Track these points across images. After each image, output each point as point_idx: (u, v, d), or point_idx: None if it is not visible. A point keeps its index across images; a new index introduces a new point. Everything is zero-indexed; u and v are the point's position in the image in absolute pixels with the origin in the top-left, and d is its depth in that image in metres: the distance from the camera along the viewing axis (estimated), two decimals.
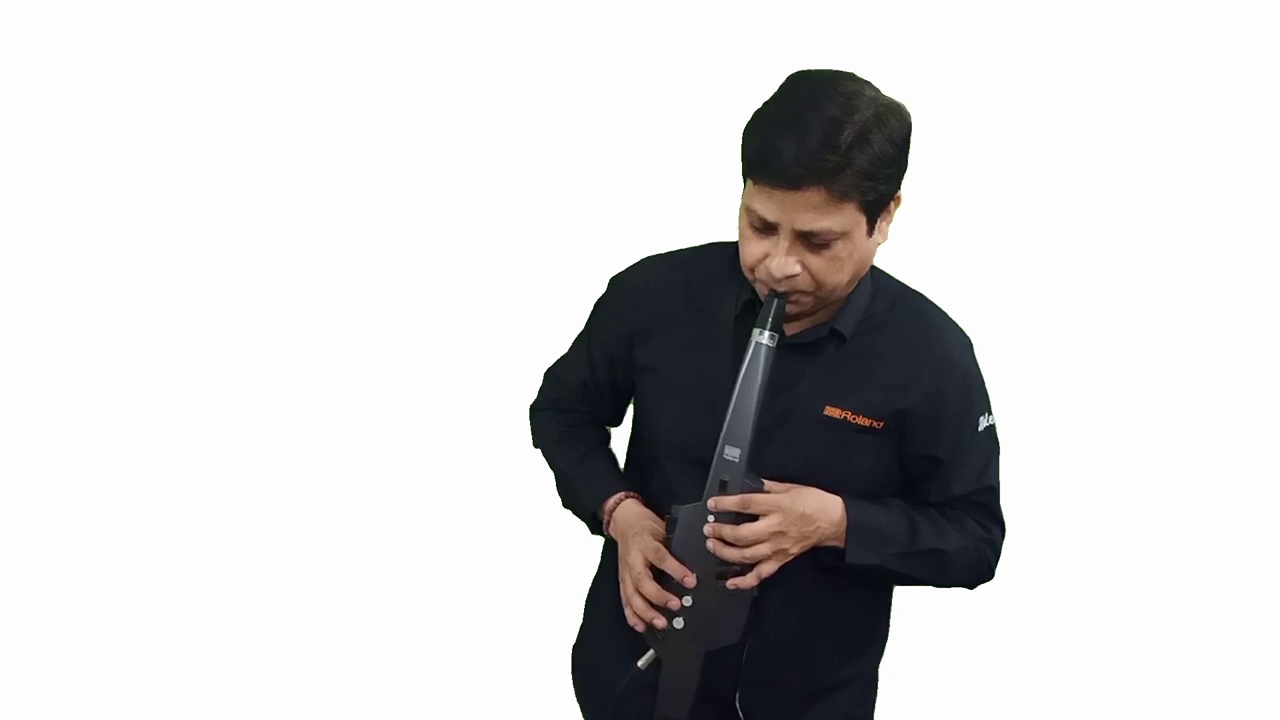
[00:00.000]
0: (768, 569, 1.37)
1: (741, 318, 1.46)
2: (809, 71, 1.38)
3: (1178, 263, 2.74)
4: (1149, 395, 2.71)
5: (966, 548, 1.51)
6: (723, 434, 1.39)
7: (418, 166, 2.77)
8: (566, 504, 1.68)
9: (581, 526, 1.71)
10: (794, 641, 1.52)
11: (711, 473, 1.39)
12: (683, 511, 1.40)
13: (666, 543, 1.43)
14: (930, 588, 1.55)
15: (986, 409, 1.57)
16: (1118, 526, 2.70)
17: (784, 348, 1.42)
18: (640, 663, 1.46)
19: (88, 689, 2.57)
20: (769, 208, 1.32)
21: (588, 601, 1.74)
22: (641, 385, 1.56)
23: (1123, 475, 2.72)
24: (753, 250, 1.36)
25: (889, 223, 1.45)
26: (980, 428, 1.55)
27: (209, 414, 2.74)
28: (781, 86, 1.36)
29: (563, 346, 1.75)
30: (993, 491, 1.57)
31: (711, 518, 1.39)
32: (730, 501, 1.37)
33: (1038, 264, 2.74)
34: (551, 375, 1.69)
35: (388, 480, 2.80)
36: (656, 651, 1.45)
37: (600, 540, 1.73)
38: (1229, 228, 2.73)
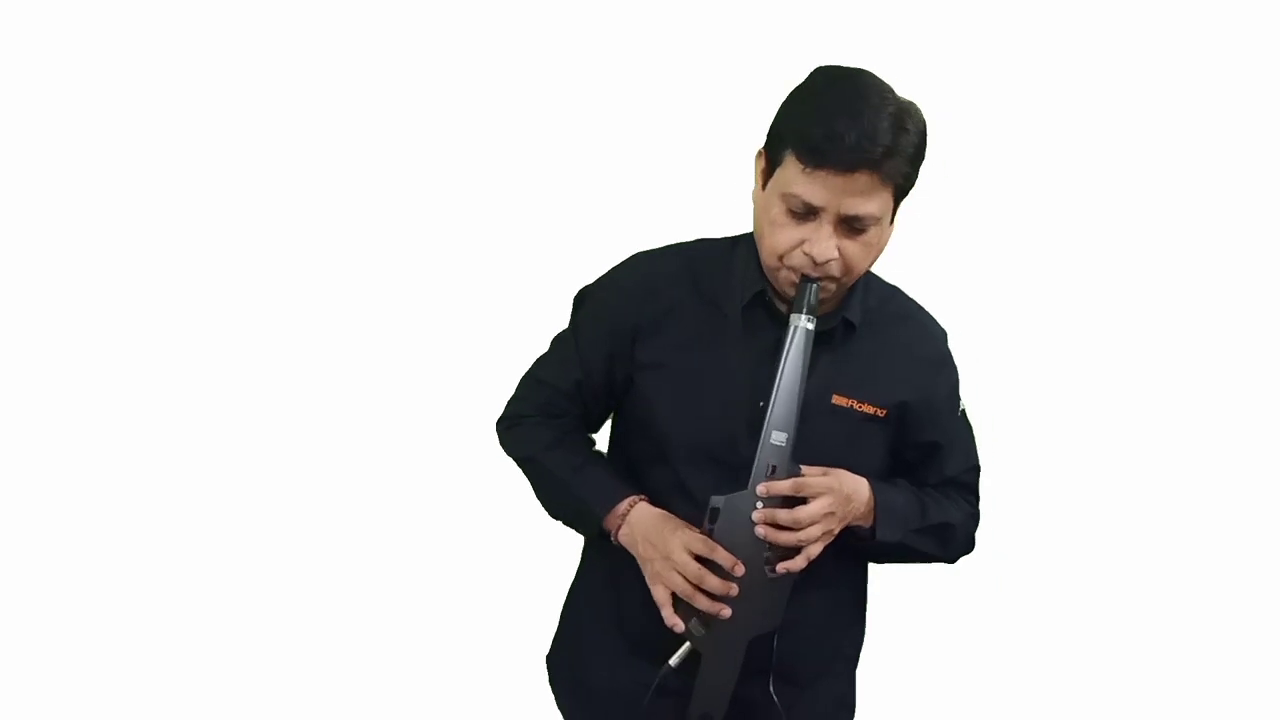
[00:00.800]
0: (816, 550, 1.39)
1: (750, 309, 1.47)
2: (835, 66, 1.41)
3: (1164, 259, 2.74)
4: (1133, 391, 2.72)
5: (964, 521, 1.65)
6: (769, 419, 1.41)
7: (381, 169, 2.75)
8: (558, 513, 1.65)
9: (554, 530, 1.68)
10: (803, 625, 1.53)
11: (758, 460, 1.40)
12: (725, 501, 1.39)
13: (708, 534, 1.41)
14: (918, 564, 1.59)
15: (959, 403, 1.69)
16: (1100, 521, 2.71)
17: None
18: (673, 660, 1.45)
19: (85, 688, 2.57)
20: (817, 192, 1.36)
21: (570, 605, 1.72)
22: (643, 382, 1.55)
23: (1105, 470, 2.73)
24: (787, 236, 1.40)
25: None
26: (958, 413, 1.67)
27: (202, 414, 2.73)
28: (820, 78, 1.43)
29: (535, 346, 1.73)
30: (978, 471, 1.72)
31: (760, 504, 1.36)
32: (783, 486, 1.39)
33: (1025, 261, 2.75)
34: (535, 381, 1.67)
35: (379, 481, 2.80)
36: (696, 646, 1.44)
37: (577, 544, 1.70)
38: (1211, 222, 2.74)
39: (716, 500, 1.39)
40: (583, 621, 1.71)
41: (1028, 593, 2.71)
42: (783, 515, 1.38)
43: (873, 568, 1.70)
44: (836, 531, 1.44)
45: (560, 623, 1.74)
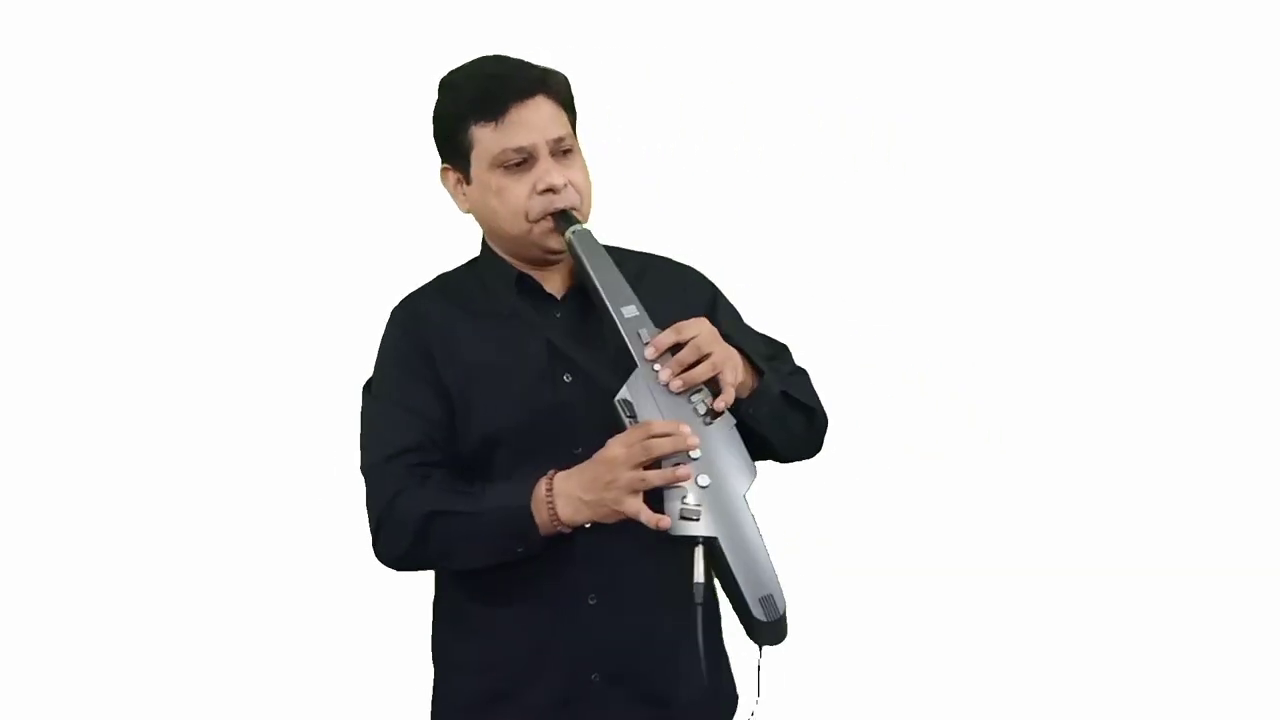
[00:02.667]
0: (730, 375, 1.32)
1: (518, 303, 1.50)
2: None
3: (1163, 259, 2.74)
4: (1121, 390, 2.72)
5: (805, 375, 1.57)
6: (608, 303, 1.37)
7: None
8: (482, 552, 1.44)
9: None
10: (657, 645, 1.46)
11: (625, 336, 1.35)
12: (626, 387, 1.32)
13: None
14: (804, 433, 1.51)
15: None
16: (1098, 520, 2.71)
17: (568, 304, 1.48)
18: (699, 576, 1.29)
19: (83, 688, 2.57)
20: (518, 133, 1.39)
21: (443, 656, 1.64)
22: (458, 405, 1.53)
23: (1091, 467, 2.72)
24: (518, 191, 1.41)
25: None
26: (736, 318, 1.59)
27: (196, 414, 2.74)
28: (449, 77, 1.48)
29: None
30: (786, 350, 1.60)
31: (656, 366, 1.33)
32: (666, 337, 1.32)
33: (1023, 261, 2.74)
34: (386, 461, 1.47)
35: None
36: (699, 531, 1.29)
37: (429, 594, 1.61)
38: (1202, 220, 2.74)
39: (621, 393, 1.35)
40: (450, 670, 1.65)
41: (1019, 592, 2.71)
42: (686, 354, 1.31)
43: None
44: (738, 357, 1.37)
45: (438, 677, 1.67)
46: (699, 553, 1.27)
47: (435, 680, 1.60)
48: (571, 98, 1.49)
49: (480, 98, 1.42)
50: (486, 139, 1.42)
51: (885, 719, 2.56)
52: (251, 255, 2.67)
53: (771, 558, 1.30)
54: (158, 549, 2.60)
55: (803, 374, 1.56)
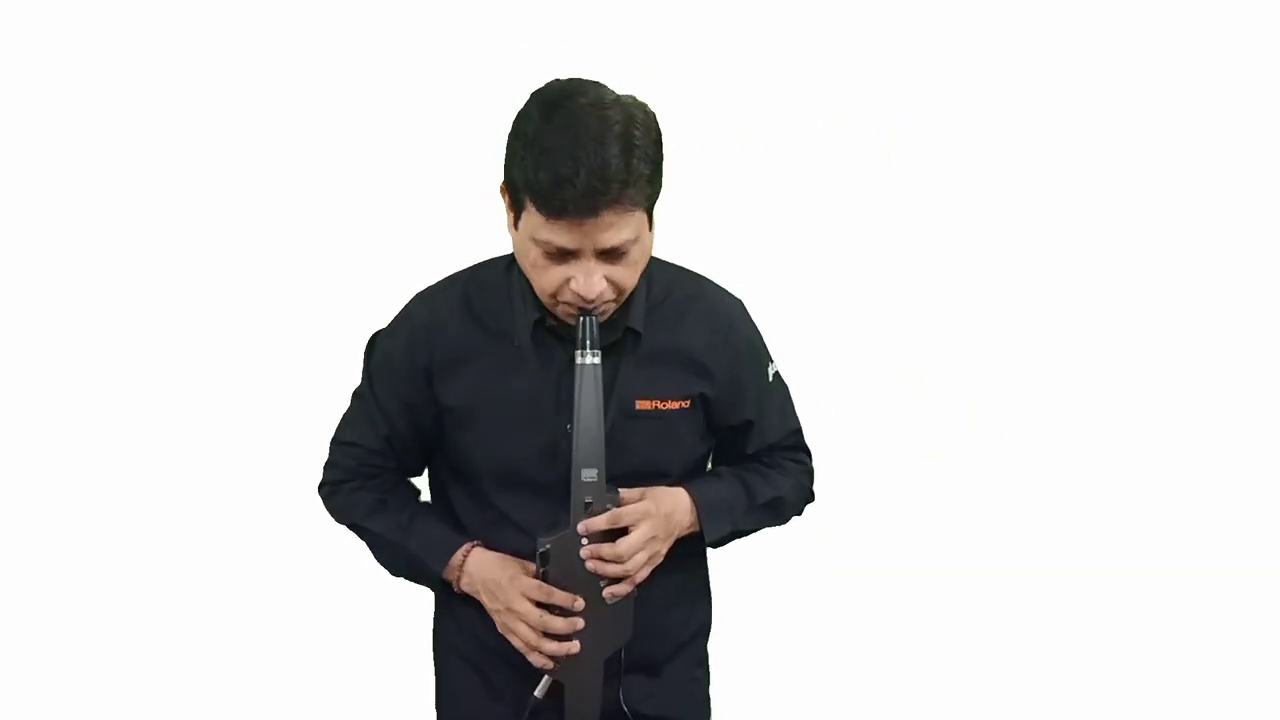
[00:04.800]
0: (643, 575, 1.40)
1: (536, 335, 1.50)
2: (550, 88, 1.36)
3: (1149, 257, 2.74)
4: (1127, 392, 2.72)
5: (795, 487, 1.59)
6: (574, 458, 1.38)
7: None
8: (397, 571, 1.58)
9: None
10: (651, 617, 1.51)
11: (573, 499, 1.38)
12: (553, 543, 1.39)
13: (542, 576, 1.42)
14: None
15: (769, 359, 1.61)
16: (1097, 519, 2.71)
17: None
18: (538, 691, 1.44)
19: (83, 688, 2.57)
20: (566, 238, 1.30)
21: (441, 652, 1.72)
22: (451, 421, 1.55)
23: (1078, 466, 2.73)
24: (552, 278, 1.35)
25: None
26: (770, 378, 1.60)
27: (197, 414, 2.74)
28: (535, 109, 1.33)
29: None
30: (798, 433, 1.64)
31: (585, 541, 1.38)
32: (600, 521, 1.37)
33: (1023, 261, 2.75)
34: (343, 445, 1.58)
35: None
36: (559, 678, 1.44)
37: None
38: (1197, 220, 2.74)
39: (543, 543, 1.41)
40: (451, 665, 1.71)
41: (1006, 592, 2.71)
42: (606, 550, 1.37)
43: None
44: (664, 552, 1.43)
45: (440, 671, 1.74)
46: (547, 679, 1.42)
47: (436, 671, 1.64)
48: (656, 186, 1.35)
49: (543, 189, 1.28)
50: (535, 219, 1.31)
51: (884, 719, 2.58)
52: (251, 255, 2.68)
53: (600, 698, 1.44)
54: (158, 548, 2.61)
55: (781, 496, 1.57)
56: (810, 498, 1.63)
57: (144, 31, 2.68)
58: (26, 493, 2.62)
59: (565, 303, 1.36)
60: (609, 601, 1.39)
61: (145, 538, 2.64)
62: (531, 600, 1.38)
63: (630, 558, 1.37)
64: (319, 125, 2.72)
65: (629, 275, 1.37)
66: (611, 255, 1.33)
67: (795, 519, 1.67)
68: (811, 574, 2.53)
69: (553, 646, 1.38)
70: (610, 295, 1.36)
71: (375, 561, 1.59)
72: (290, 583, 2.62)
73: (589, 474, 1.37)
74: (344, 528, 1.60)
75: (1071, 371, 2.59)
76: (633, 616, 1.42)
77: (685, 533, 1.46)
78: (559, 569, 1.38)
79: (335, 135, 2.71)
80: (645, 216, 1.35)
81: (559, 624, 1.37)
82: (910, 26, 2.65)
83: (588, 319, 1.35)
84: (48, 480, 2.64)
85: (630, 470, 1.42)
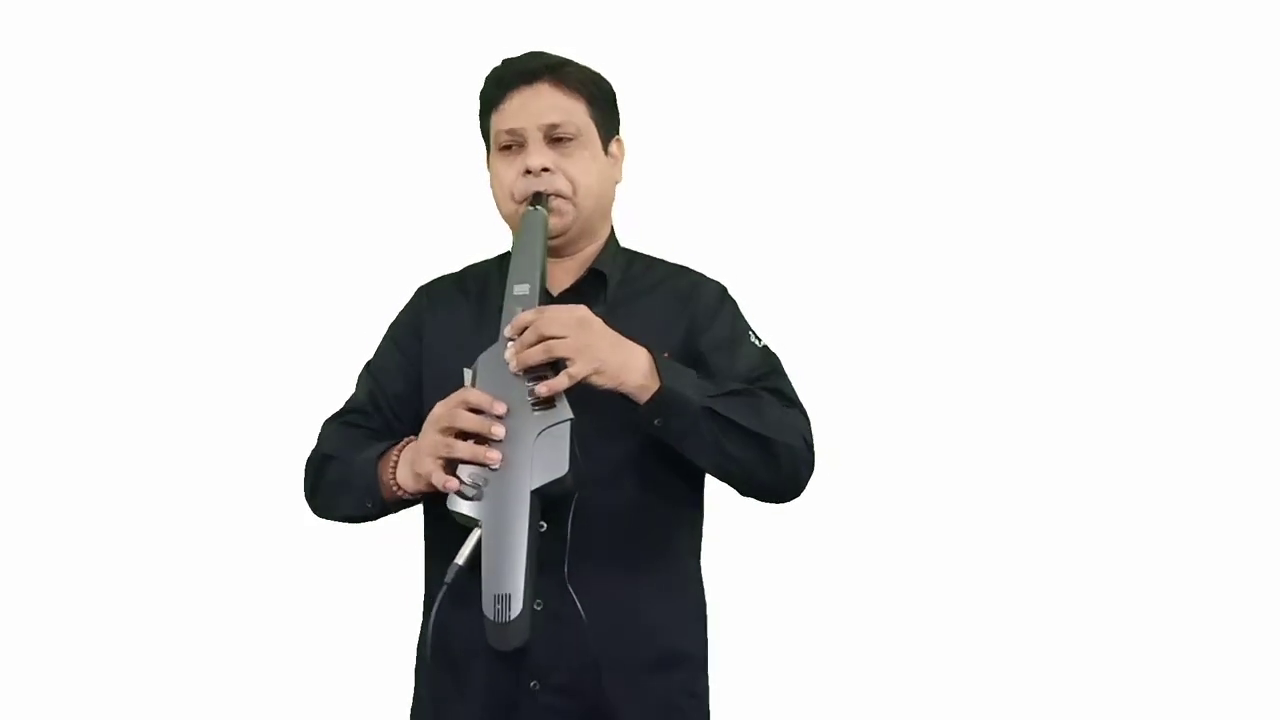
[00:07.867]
0: (581, 366, 1.27)
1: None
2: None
3: (1149, 257, 2.74)
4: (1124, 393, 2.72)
5: (774, 402, 1.44)
6: (509, 278, 1.35)
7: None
8: (343, 500, 1.45)
9: None
10: (636, 616, 1.43)
11: (505, 311, 1.33)
12: (481, 356, 1.31)
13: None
14: (758, 464, 1.41)
15: (751, 332, 1.54)
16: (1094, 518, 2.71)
17: (563, 300, 1.44)
18: (460, 558, 1.24)
19: (83, 688, 2.57)
20: (512, 114, 1.42)
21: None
22: (425, 375, 1.53)
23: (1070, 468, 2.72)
24: (508, 171, 1.43)
25: (620, 164, 1.54)
26: (752, 340, 1.52)
27: (195, 414, 2.74)
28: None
29: None
30: (781, 394, 1.48)
31: (511, 343, 1.30)
32: (526, 316, 1.29)
33: (1022, 261, 2.74)
34: (333, 419, 1.57)
35: None
36: (472, 513, 1.26)
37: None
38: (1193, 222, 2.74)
39: (476, 361, 1.32)
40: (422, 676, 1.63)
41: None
42: (526, 336, 1.28)
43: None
44: (600, 355, 1.29)
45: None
46: (473, 534, 1.24)
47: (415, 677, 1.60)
48: (597, 94, 1.48)
49: (492, 83, 1.47)
50: (494, 124, 1.45)
51: (884, 718, 2.58)
52: (252, 256, 2.68)
53: (530, 563, 1.23)
54: (157, 549, 2.61)
55: (775, 402, 1.43)
56: (800, 441, 1.43)
57: (144, 31, 2.70)
58: (26, 493, 2.63)
59: (521, 195, 1.42)
60: (542, 395, 1.26)
61: (141, 537, 2.65)
62: (451, 406, 1.29)
63: (558, 333, 1.27)
64: (318, 125, 2.72)
65: (581, 171, 1.43)
66: (556, 139, 1.42)
67: (794, 518, 1.60)
68: (811, 574, 2.53)
69: (466, 449, 1.25)
70: (564, 187, 1.42)
71: (335, 507, 1.48)
72: (288, 585, 2.62)
73: (521, 288, 1.33)
74: (328, 528, 1.54)
75: (1071, 372, 2.60)
76: (567, 453, 1.25)
77: (635, 392, 1.32)
78: (488, 380, 1.29)
79: (335, 135, 2.71)
80: (591, 123, 1.45)
81: (471, 419, 1.26)
82: (910, 27, 2.65)
83: (538, 194, 1.41)
84: (48, 480, 2.65)
85: (601, 428, 1.34)
